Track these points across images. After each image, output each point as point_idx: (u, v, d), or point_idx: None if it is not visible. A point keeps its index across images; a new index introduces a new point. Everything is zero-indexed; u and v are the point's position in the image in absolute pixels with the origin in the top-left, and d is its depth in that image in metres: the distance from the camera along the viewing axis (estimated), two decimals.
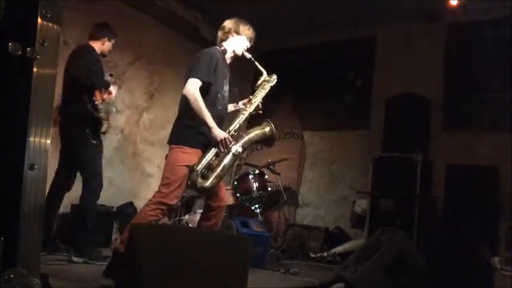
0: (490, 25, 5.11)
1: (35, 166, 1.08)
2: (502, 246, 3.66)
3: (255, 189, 4.52)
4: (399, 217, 4.55)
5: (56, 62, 1.14)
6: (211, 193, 2.94)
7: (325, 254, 4.99)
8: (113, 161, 5.19)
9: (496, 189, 4.67)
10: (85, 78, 3.59)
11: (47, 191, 3.78)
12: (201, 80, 2.82)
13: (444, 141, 5.26)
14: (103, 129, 3.77)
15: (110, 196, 4.71)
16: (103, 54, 3.87)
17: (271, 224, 5.53)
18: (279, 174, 5.02)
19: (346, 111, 6.20)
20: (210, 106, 2.84)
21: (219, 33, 3.12)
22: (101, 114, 3.69)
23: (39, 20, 1.08)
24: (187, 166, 2.78)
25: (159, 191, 2.81)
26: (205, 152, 2.84)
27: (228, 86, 3.06)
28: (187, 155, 2.81)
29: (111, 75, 4.23)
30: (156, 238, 2.08)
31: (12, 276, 1.03)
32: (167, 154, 2.95)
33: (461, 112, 5.32)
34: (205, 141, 2.86)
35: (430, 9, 5.34)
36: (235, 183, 4.69)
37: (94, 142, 3.67)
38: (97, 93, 3.71)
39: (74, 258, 3.43)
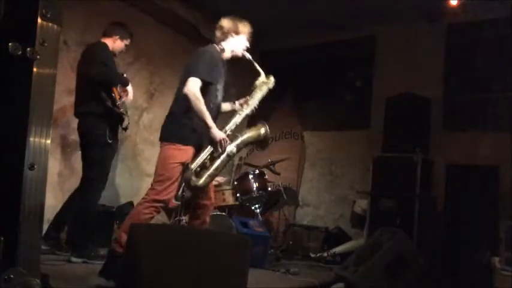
0: (490, 25, 5.12)
1: (35, 166, 1.08)
2: (502, 246, 3.67)
3: (255, 189, 4.52)
4: (399, 217, 4.55)
5: (56, 62, 1.14)
6: (201, 191, 2.94)
7: (325, 254, 4.99)
8: (113, 161, 5.18)
9: (496, 189, 4.67)
10: (102, 73, 3.52)
11: (71, 193, 3.78)
12: (202, 79, 2.82)
13: (444, 141, 5.26)
14: (124, 124, 3.72)
15: (110, 196, 4.70)
16: (113, 53, 3.79)
17: (271, 224, 5.53)
18: (279, 174, 5.02)
19: (346, 111, 6.20)
20: (206, 105, 2.82)
21: (217, 33, 3.08)
22: (121, 110, 3.65)
23: (39, 20, 1.08)
24: (181, 163, 2.78)
25: (152, 188, 2.81)
26: (198, 149, 2.85)
27: (222, 84, 3.05)
28: (181, 152, 2.80)
29: (122, 74, 4.21)
30: (156, 238, 2.08)
31: (12, 276, 1.03)
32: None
33: (461, 112, 5.32)
34: (199, 139, 2.86)
35: (430, 9, 5.34)
36: (235, 183, 4.68)
37: (110, 142, 3.61)
38: (114, 90, 3.65)
39: (73, 259, 3.41)
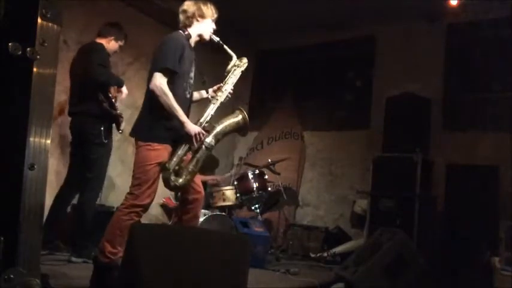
0: (490, 25, 5.12)
1: (35, 166, 1.08)
2: (502, 246, 3.67)
3: (255, 189, 4.51)
4: (399, 217, 4.55)
5: (56, 62, 1.14)
6: (186, 187, 2.77)
7: (325, 254, 4.99)
8: (113, 161, 5.17)
9: (496, 189, 4.67)
10: (99, 74, 3.51)
11: (57, 190, 3.77)
12: (167, 70, 2.65)
13: (444, 141, 5.26)
14: (122, 126, 3.72)
15: (110, 196, 4.70)
16: (108, 54, 3.78)
17: (271, 224, 5.53)
18: (279, 174, 5.02)
19: (346, 111, 6.21)
20: (177, 96, 2.68)
21: (181, 18, 2.86)
22: (119, 112, 3.65)
23: (39, 20, 1.08)
24: (158, 164, 2.62)
25: (130, 193, 2.66)
26: (175, 146, 2.70)
27: (193, 71, 2.88)
28: (157, 152, 2.65)
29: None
30: (156, 238, 2.07)
31: (12, 276, 1.03)
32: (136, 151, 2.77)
33: (461, 112, 5.33)
34: (175, 136, 2.70)
35: (430, 9, 5.34)
36: (235, 183, 4.68)
37: (106, 141, 3.62)
38: (111, 90, 3.65)
39: (73, 259, 3.42)
